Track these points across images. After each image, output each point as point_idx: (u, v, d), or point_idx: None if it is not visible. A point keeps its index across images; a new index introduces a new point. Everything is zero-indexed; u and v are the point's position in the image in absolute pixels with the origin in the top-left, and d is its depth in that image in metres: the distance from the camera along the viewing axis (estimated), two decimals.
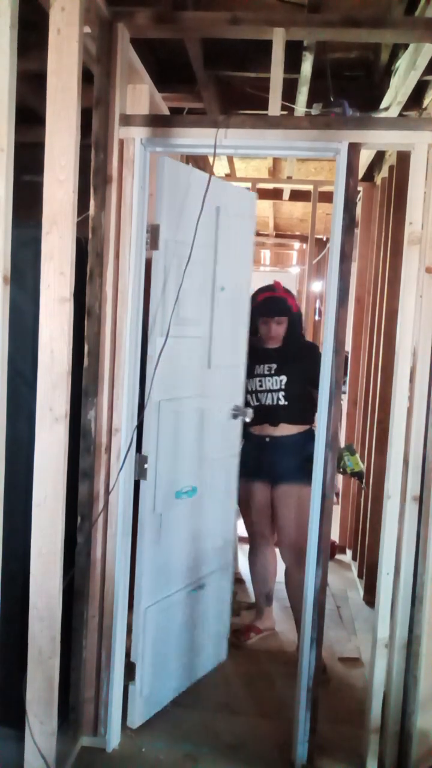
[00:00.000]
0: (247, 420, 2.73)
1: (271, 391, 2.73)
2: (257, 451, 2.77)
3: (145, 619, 2.29)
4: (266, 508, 2.84)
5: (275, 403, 2.73)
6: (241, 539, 3.16)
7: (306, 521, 2.59)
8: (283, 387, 2.72)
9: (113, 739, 2.19)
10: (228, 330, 2.59)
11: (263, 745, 2.26)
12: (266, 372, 2.75)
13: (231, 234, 2.52)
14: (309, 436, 2.73)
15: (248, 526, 2.96)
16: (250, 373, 2.76)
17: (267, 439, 2.75)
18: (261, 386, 2.75)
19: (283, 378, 2.72)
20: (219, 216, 2.46)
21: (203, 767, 2.15)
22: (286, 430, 2.74)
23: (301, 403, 2.73)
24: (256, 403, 2.76)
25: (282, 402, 2.72)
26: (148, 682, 2.33)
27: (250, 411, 2.69)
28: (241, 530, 3.01)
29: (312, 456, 2.30)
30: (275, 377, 2.73)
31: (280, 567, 2.94)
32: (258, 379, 2.76)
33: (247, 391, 2.75)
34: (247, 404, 2.75)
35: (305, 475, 2.61)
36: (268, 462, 2.77)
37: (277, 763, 2.18)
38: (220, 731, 2.32)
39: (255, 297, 2.81)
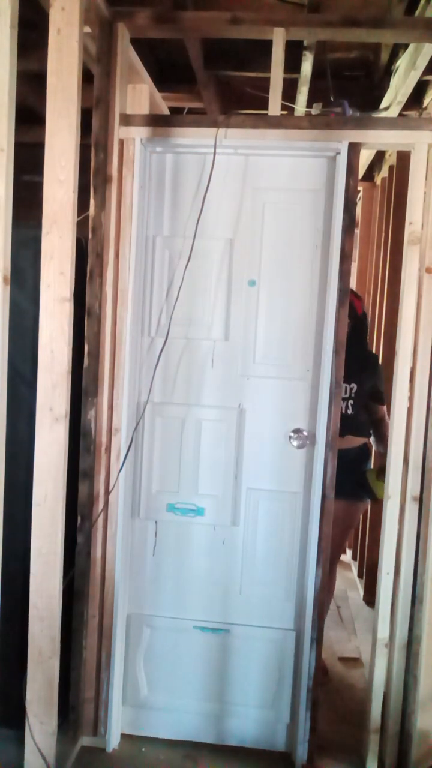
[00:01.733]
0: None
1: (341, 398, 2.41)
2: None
3: (128, 625, 2.26)
4: (343, 531, 2.63)
5: (344, 411, 2.50)
6: None
7: (339, 539, 2.57)
8: (352, 395, 2.56)
9: (113, 739, 2.19)
10: (275, 333, 2.17)
11: (263, 745, 2.26)
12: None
13: (271, 216, 2.15)
14: (366, 451, 2.68)
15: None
16: None
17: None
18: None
19: (354, 386, 2.57)
20: (242, 200, 2.15)
21: (203, 767, 2.14)
22: (347, 442, 2.53)
23: (364, 414, 2.63)
24: None
25: (350, 411, 2.56)
26: (143, 696, 2.28)
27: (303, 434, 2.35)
28: None
29: (363, 472, 2.24)
30: (345, 384, 2.51)
31: None
32: None
33: None
34: None
35: (359, 492, 2.60)
36: (344, 478, 2.38)
37: (277, 763, 2.18)
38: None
39: None
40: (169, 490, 2.24)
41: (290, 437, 2.17)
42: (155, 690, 2.27)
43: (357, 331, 2.61)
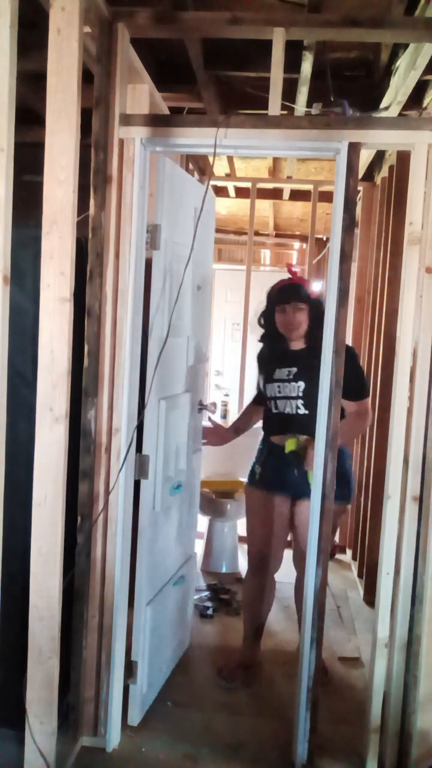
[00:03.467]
0: (210, 416, 2.81)
1: (289, 398, 2.49)
2: (277, 463, 2.53)
3: (145, 617, 2.30)
4: (283, 527, 2.60)
5: (294, 412, 2.48)
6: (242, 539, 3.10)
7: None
8: (300, 394, 2.46)
9: (113, 739, 2.19)
10: (201, 327, 2.72)
11: (263, 745, 2.26)
12: (285, 377, 2.50)
13: (202, 232, 2.54)
14: (342, 451, 2.51)
15: (255, 544, 2.64)
16: (269, 378, 2.55)
17: (287, 450, 2.45)
18: (280, 392, 2.51)
19: (301, 384, 2.46)
20: (196, 216, 2.44)
21: (203, 767, 2.15)
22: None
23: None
24: (275, 411, 2.54)
25: (301, 411, 2.46)
26: (146, 677, 2.34)
27: (210, 406, 2.83)
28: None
29: (340, 472, 2.16)
30: (293, 383, 2.48)
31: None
32: (277, 384, 2.52)
33: (267, 397, 2.57)
34: (267, 410, 2.59)
35: (336, 493, 2.49)
36: (290, 475, 2.50)
37: (277, 763, 2.18)
38: (220, 731, 2.32)
39: (271, 290, 2.57)
40: (170, 477, 2.41)
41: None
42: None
43: (315, 321, 2.44)
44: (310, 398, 2.35)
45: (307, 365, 2.40)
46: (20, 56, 1.58)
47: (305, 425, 2.40)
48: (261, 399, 2.70)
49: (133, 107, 2.27)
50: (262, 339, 2.69)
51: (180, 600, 2.69)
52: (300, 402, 2.48)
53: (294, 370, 2.50)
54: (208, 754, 2.20)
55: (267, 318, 2.59)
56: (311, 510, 2.14)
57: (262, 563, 2.64)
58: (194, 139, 2.06)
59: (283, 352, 2.55)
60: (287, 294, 2.49)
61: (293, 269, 2.60)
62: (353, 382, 2.33)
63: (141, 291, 2.16)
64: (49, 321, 1.81)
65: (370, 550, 3.32)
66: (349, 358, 2.35)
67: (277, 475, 2.54)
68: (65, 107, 1.75)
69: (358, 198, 3.92)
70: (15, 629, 1.99)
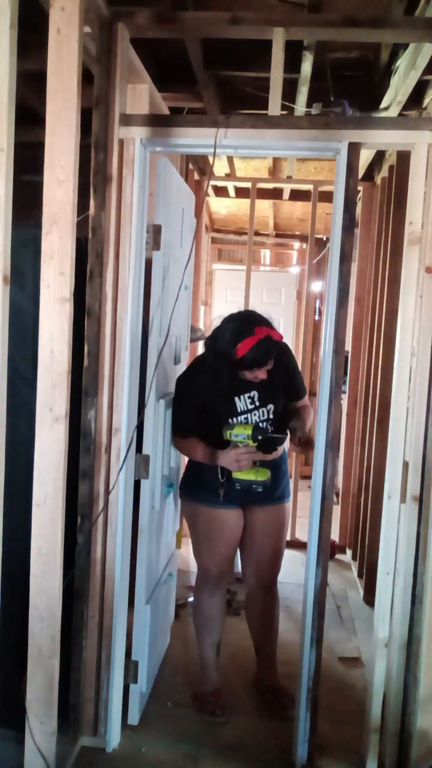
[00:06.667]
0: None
1: (259, 421, 2.33)
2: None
3: (145, 616, 2.31)
4: (237, 539, 2.48)
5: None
6: None
7: (281, 547, 2.52)
8: (271, 416, 2.34)
9: (113, 739, 2.19)
10: (184, 328, 2.79)
11: (263, 745, 2.26)
12: (249, 406, 2.31)
13: (187, 232, 2.64)
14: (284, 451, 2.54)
15: (218, 564, 2.45)
16: (230, 411, 2.30)
17: (257, 464, 2.30)
18: (246, 422, 2.32)
19: (271, 407, 2.34)
20: (183, 215, 2.58)
21: (203, 767, 2.15)
22: (275, 453, 2.41)
23: (283, 423, 2.38)
24: None
25: (270, 429, 2.35)
26: (146, 677, 2.35)
27: None
28: None
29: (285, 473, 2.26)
30: (261, 408, 2.33)
31: None
32: (243, 416, 2.31)
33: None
34: (228, 442, 2.28)
35: (287, 493, 2.51)
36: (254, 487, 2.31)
37: (277, 763, 2.18)
38: (220, 731, 2.32)
39: (230, 344, 2.17)
40: (165, 474, 2.44)
41: None
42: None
43: (280, 363, 2.32)
44: (278, 415, 2.36)
45: (268, 385, 2.30)
46: (20, 56, 1.59)
47: (276, 442, 2.34)
48: (205, 429, 2.37)
49: (133, 107, 2.27)
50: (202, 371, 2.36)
51: (167, 597, 2.77)
52: (269, 423, 2.35)
53: (255, 394, 2.31)
54: (208, 754, 2.20)
55: (226, 364, 2.23)
56: (311, 510, 2.14)
57: (223, 581, 2.50)
58: (194, 139, 2.06)
59: (231, 377, 2.26)
60: (261, 360, 2.20)
61: (258, 326, 2.20)
62: (300, 382, 2.49)
63: (141, 291, 2.16)
64: (49, 321, 1.81)
65: (370, 550, 3.32)
66: (290, 357, 2.43)
67: (244, 490, 2.31)
68: (65, 107, 1.75)
69: (358, 198, 3.92)
70: (15, 629, 1.99)
